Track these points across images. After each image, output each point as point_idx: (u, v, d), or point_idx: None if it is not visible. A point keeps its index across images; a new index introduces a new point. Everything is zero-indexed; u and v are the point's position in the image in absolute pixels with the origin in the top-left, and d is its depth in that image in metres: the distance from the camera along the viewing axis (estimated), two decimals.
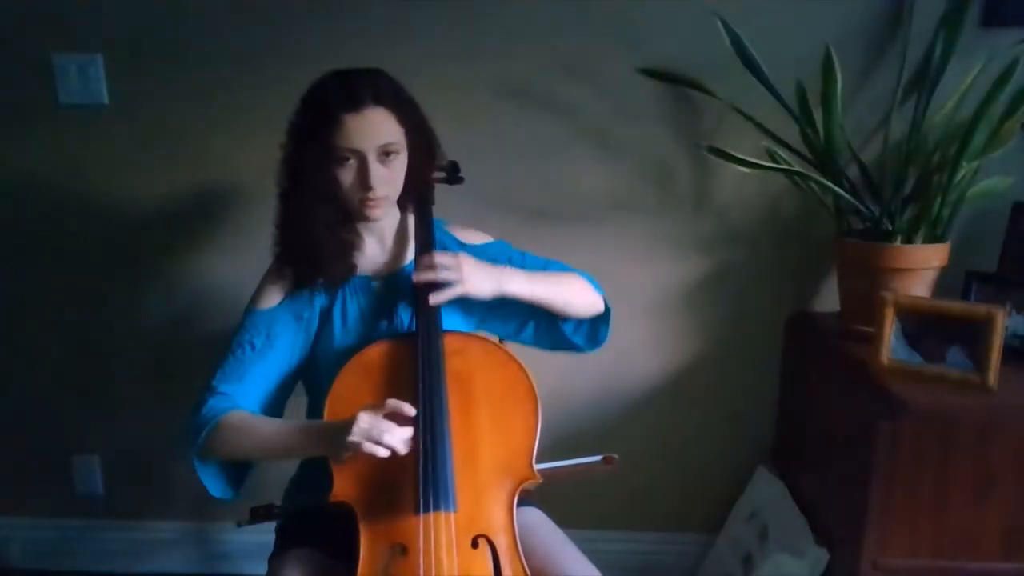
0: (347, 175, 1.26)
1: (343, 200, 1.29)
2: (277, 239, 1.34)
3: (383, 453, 1.10)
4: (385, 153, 1.26)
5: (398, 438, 1.11)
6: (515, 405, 1.27)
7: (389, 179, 1.28)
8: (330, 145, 1.23)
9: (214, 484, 1.29)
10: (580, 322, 1.42)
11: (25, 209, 1.95)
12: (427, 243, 1.35)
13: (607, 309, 1.44)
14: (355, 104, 1.22)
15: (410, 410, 1.15)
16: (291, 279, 1.34)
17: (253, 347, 1.30)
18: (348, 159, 1.24)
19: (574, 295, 1.37)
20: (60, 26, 1.82)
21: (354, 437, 1.10)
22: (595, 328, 1.44)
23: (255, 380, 1.30)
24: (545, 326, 1.42)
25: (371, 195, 1.26)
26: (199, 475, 1.26)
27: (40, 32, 1.82)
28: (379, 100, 1.24)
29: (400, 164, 1.30)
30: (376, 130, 1.24)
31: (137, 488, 2.12)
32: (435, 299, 1.26)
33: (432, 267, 1.26)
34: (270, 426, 1.25)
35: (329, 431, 1.17)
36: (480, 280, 1.28)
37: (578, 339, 1.44)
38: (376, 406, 1.13)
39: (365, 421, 1.11)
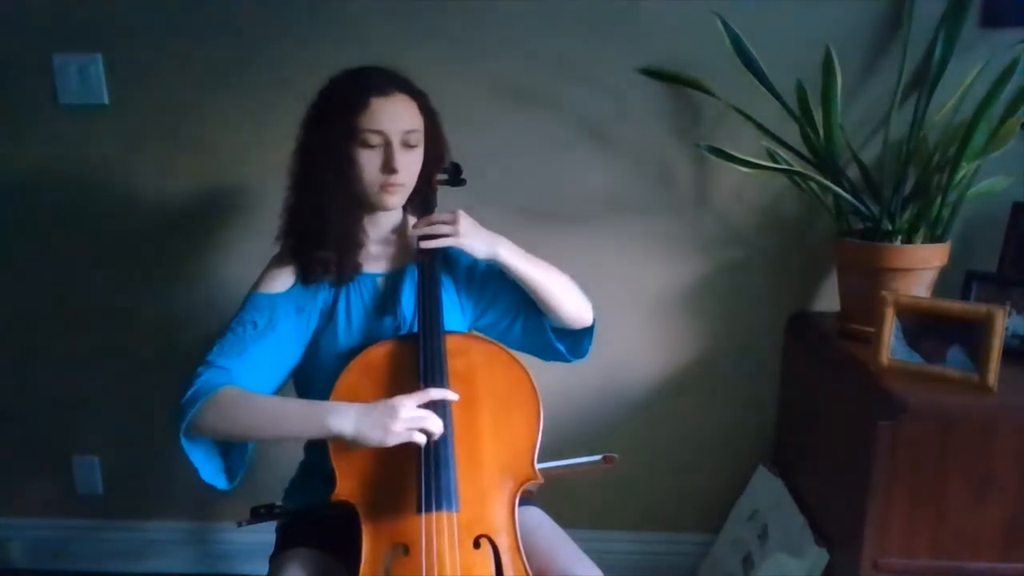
0: (371, 159, 1.26)
1: (361, 187, 1.28)
2: (287, 227, 1.34)
3: (423, 440, 1.15)
4: (407, 142, 1.28)
5: (437, 427, 1.16)
6: (517, 405, 1.28)
7: (409, 167, 1.30)
8: (356, 127, 1.24)
9: (205, 467, 1.24)
10: (565, 331, 1.42)
11: (25, 209, 1.95)
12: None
13: (592, 323, 1.43)
14: (383, 89, 1.26)
15: (453, 396, 1.21)
16: (296, 272, 1.33)
17: (255, 326, 1.28)
18: (373, 142, 1.25)
19: (562, 289, 1.36)
20: (60, 26, 1.82)
21: (400, 426, 1.13)
22: (579, 339, 1.44)
23: (254, 359, 1.26)
24: (533, 326, 1.41)
25: (394, 179, 1.27)
26: (188, 454, 1.22)
27: (40, 32, 1.82)
28: (403, 88, 1.28)
29: (419, 156, 1.32)
30: (402, 115, 1.27)
31: (137, 488, 2.12)
32: (428, 244, 1.30)
33: (431, 223, 1.31)
34: (277, 400, 1.24)
35: (359, 411, 1.16)
36: (475, 237, 1.31)
37: (561, 346, 1.43)
38: (414, 394, 1.17)
39: (407, 411, 1.14)
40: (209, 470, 1.26)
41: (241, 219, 1.90)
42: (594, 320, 1.43)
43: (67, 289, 1.99)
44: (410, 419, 1.14)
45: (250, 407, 1.20)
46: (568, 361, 1.46)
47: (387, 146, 1.26)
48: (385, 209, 1.33)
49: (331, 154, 1.26)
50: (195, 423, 1.19)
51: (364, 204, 1.32)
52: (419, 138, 1.30)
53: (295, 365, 1.36)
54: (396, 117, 1.26)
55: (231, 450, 1.29)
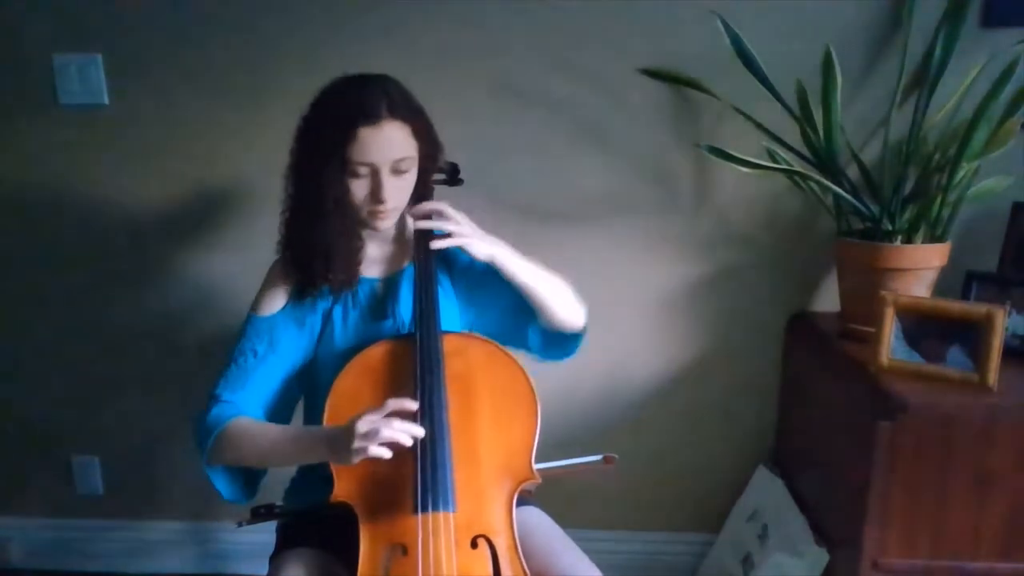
0: (360, 187, 1.26)
1: (353, 209, 1.28)
2: (285, 242, 1.34)
3: (387, 454, 1.10)
4: (398, 169, 1.26)
5: (400, 431, 1.11)
6: (515, 405, 1.27)
7: (400, 192, 1.29)
8: (345, 158, 1.23)
9: (227, 488, 1.31)
10: (556, 333, 1.42)
11: (25, 209, 1.95)
12: (426, 243, 1.35)
13: (583, 327, 1.43)
14: (373, 118, 1.21)
15: (412, 405, 1.16)
16: (295, 285, 1.34)
17: (255, 354, 1.31)
18: (361, 173, 1.24)
19: (557, 292, 1.36)
20: (60, 26, 1.82)
21: (357, 444, 1.10)
22: (568, 340, 1.44)
23: (258, 386, 1.31)
24: (523, 325, 1.41)
25: (381, 208, 1.27)
26: (212, 481, 1.29)
27: (40, 32, 1.82)
28: (394, 112, 1.23)
29: (411, 177, 1.30)
30: (392, 145, 1.24)
31: (137, 488, 2.12)
32: (436, 244, 1.29)
33: (436, 211, 1.31)
34: (271, 434, 1.25)
35: (329, 438, 1.17)
36: (479, 239, 1.30)
37: (555, 345, 1.43)
38: (375, 409, 1.13)
39: (364, 425, 1.10)
40: (231, 491, 1.32)
41: (241, 219, 1.90)
42: (585, 324, 1.43)
43: (66, 288, 1.99)
44: (367, 435, 1.10)
45: (252, 441, 1.24)
46: (556, 360, 1.46)
47: (375, 176, 1.25)
48: (375, 231, 1.33)
49: (320, 178, 1.25)
50: (210, 457, 1.26)
51: (358, 222, 1.32)
52: (410, 164, 1.28)
53: (305, 371, 1.37)
54: (385, 148, 1.23)
55: (250, 468, 1.34)
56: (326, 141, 1.23)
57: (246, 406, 1.29)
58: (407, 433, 1.12)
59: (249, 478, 1.35)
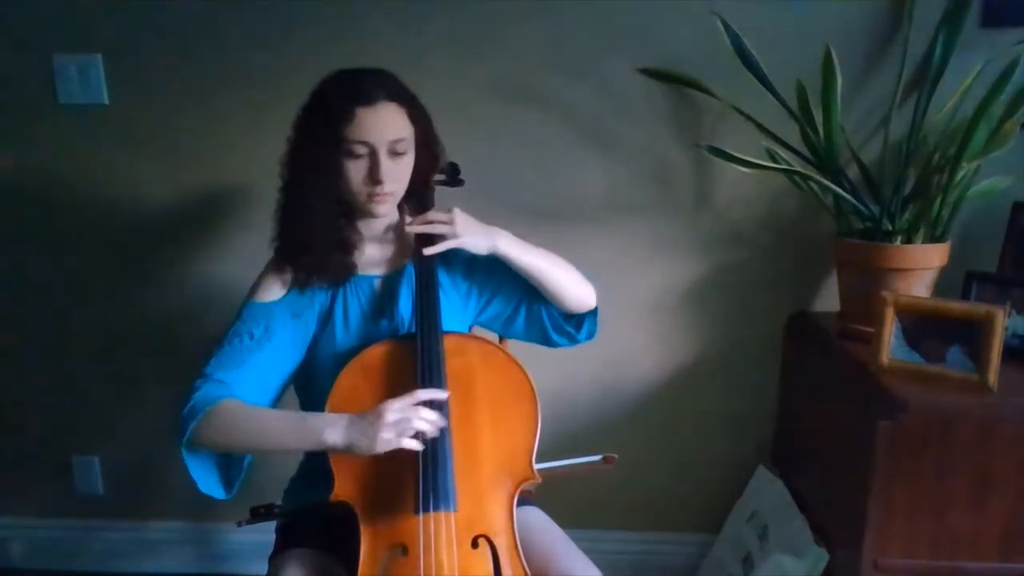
0: (357, 169, 1.26)
1: (349, 195, 1.28)
2: (278, 233, 1.33)
3: (419, 447, 1.12)
4: (395, 150, 1.26)
5: (427, 422, 1.12)
6: (515, 405, 1.27)
7: (397, 175, 1.28)
8: (341, 137, 1.23)
9: (204, 479, 1.25)
10: (570, 314, 1.41)
11: (25, 209, 1.95)
12: (423, 247, 1.34)
13: (596, 306, 1.43)
14: (369, 98, 1.23)
15: (442, 394, 1.17)
16: (291, 277, 1.33)
17: (251, 337, 1.28)
18: (359, 152, 1.24)
19: (564, 275, 1.36)
20: (60, 26, 1.82)
21: (386, 434, 1.10)
22: (582, 320, 1.43)
23: (252, 370, 1.26)
24: (535, 314, 1.41)
25: (379, 190, 1.26)
26: (188, 466, 1.23)
27: (40, 32, 1.82)
28: (391, 96, 1.25)
29: (408, 162, 1.30)
30: (388, 125, 1.24)
31: (137, 488, 2.12)
32: (430, 250, 1.29)
33: (427, 221, 1.30)
34: (269, 417, 1.22)
35: (347, 424, 1.14)
36: (474, 234, 1.30)
37: (565, 332, 1.42)
38: (402, 398, 1.14)
39: (394, 415, 1.11)
40: (207, 481, 1.26)
41: (240, 218, 1.90)
42: (597, 304, 1.42)
43: (66, 288, 1.99)
44: (396, 423, 1.11)
45: (246, 422, 1.20)
46: (572, 345, 1.45)
47: (372, 156, 1.25)
48: (374, 217, 1.33)
49: (317, 163, 1.25)
50: (194, 437, 1.20)
51: (354, 209, 1.32)
52: (407, 146, 1.28)
53: (296, 369, 1.36)
54: (381, 127, 1.24)
55: (230, 460, 1.29)
56: (323, 124, 1.24)
57: (238, 388, 1.23)
58: (435, 425, 1.13)
59: (228, 474, 1.29)
